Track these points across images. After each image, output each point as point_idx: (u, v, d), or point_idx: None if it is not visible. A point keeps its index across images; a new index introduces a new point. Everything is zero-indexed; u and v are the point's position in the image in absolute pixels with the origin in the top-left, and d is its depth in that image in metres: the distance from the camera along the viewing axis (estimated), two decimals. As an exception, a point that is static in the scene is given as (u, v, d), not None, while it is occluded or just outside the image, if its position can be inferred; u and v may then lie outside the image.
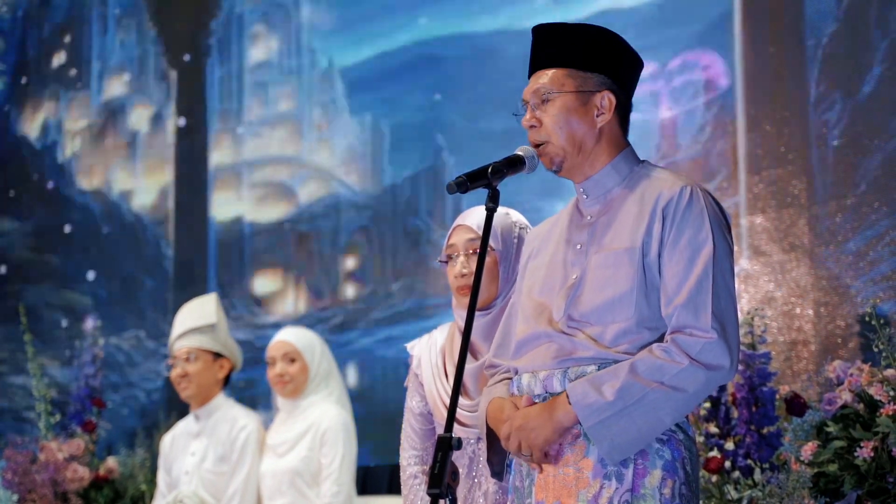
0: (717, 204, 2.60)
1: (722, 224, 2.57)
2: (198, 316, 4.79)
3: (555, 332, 2.57)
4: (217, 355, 4.78)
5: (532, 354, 2.61)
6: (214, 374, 4.76)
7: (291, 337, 4.61)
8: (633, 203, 2.60)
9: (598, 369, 2.51)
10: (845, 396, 3.64)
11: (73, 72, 7.45)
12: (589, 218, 2.66)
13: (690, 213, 2.53)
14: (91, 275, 7.15)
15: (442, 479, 2.32)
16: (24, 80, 7.68)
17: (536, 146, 2.64)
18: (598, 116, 2.64)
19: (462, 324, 3.07)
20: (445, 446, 2.34)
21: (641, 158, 2.74)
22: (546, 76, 2.63)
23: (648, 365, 2.44)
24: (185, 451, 4.74)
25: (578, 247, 2.63)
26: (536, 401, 2.56)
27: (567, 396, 2.47)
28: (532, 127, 2.64)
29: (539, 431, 2.49)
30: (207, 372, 4.74)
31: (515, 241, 3.06)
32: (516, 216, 3.14)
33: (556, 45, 2.65)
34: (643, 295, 2.52)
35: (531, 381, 2.59)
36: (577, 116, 2.62)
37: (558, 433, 2.49)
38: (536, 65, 2.67)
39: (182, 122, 6.94)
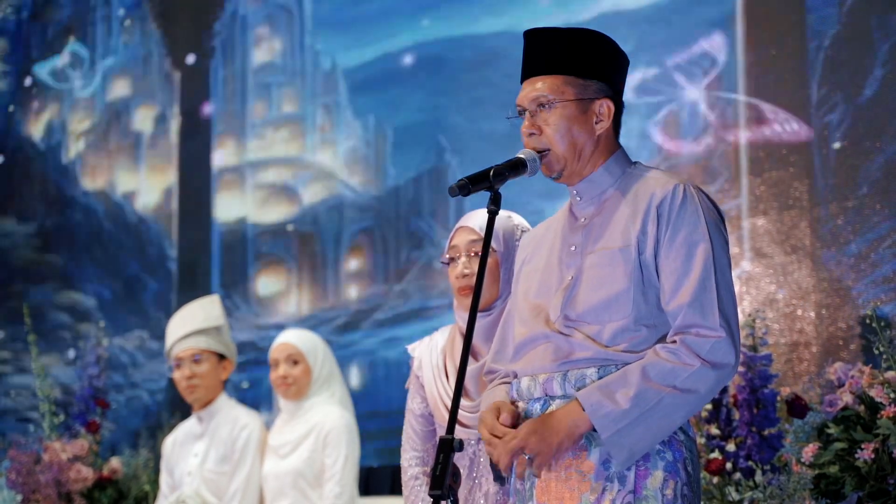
0: (711, 201, 2.61)
1: (717, 220, 2.58)
2: (204, 317, 4.79)
3: (552, 333, 2.57)
4: (221, 356, 4.79)
5: (530, 356, 2.61)
6: (219, 375, 4.77)
7: (294, 339, 4.62)
8: (627, 203, 2.60)
9: (598, 371, 2.51)
10: (846, 398, 3.65)
11: (77, 73, 7.47)
12: (583, 220, 2.67)
13: (685, 211, 2.54)
14: (95, 275, 7.17)
15: (443, 480, 2.32)
16: (28, 81, 7.70)
17: (538, 153, 2.65)
18: (597, 124, 2.65)
19: (463, 325, 3.08)
20: (447, 448, 2.34)
21: (643, 161, 2.75)
22: (544, 83, 2.63)
23: (659, 369, 2.44)
24: (187, 452, 4.75)
25: (573, 248, 2.64)
26: (535, 405, 2.56)
27: (581, 406, 2.46)
28: (531, 135, 2.64)
29: (553, 436, 2.46)
30: (214, 373, 4.74)
31: (517, 243, 3.08)
32: (518, 219, 3.15)
33: (551, 51, 2.64)
34: (640, 293, 2.53)
35: (531, 385, 2.60)
36: (578, 125, 2.63)
37: (573, 439, 2.48)
38: (531, 71, 2.66)
39: (185, 123, 6.95)
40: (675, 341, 2.48)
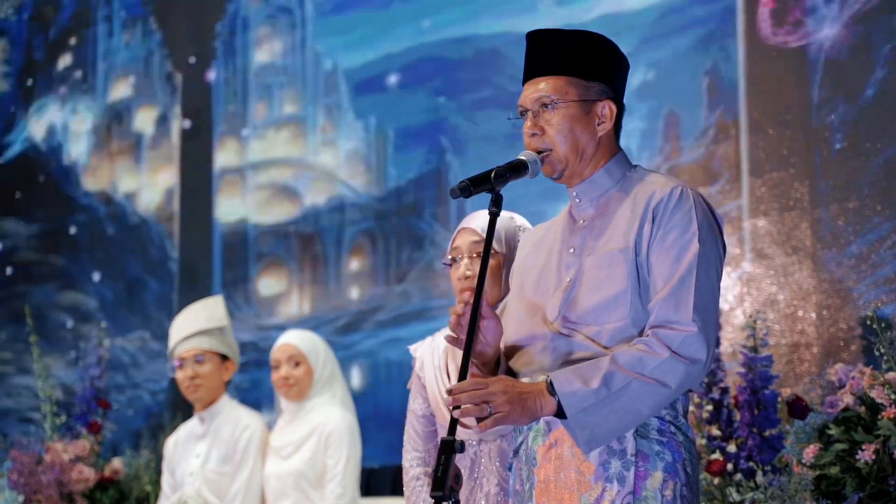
0: (709, 206, 2.61)
1: (712, 226, 2.58)
2: (207, 318, 4.80)
3: (550, 333, 2.58)
4: (224, 357, 4.79)
5: (529, 356, 2.61)
6: (221, 375, 4.77)
7: (296, 340, 4.62)
8: (627, 205, 2.61)
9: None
10: (847, 399, 3.66)
11: (78, 74, 7.48)
12: (582, 222, 2.68)
13: (678, 212, 2.54)
14: (96, 276, 7.18)
15: (445, 481, 2.32)
16: (30, 82, 7.71)
17: (538, 153, 2.65)
18: (598, 125, 2.65)
19: (465, 326, 3.09)
20: (448, 449, 2.34)
21: (644, 163, 2.76)
22: (547, 83, 2.64)
23: (629, 357, 2.45)
24: (189, 452, 4.75)
25: (572, 250, 2.65)
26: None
27: (549, 384, 2.45)
28: (534, 135, 2.65)
29: (518, 408, 2.44)
30: (216, 374, 4.75)
31: (519, 244, 3.08)
32: (520, 220, 3.16)
33: (555, 52, 2.65)
34: (637, 294, 2.53)
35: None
36: (580, 126, 2.63)
37: (532, 418, 2.47)
38: (534, 71, 2.67)
39: (187, 124, 6.96)
40: (648, 335, 2.49)
